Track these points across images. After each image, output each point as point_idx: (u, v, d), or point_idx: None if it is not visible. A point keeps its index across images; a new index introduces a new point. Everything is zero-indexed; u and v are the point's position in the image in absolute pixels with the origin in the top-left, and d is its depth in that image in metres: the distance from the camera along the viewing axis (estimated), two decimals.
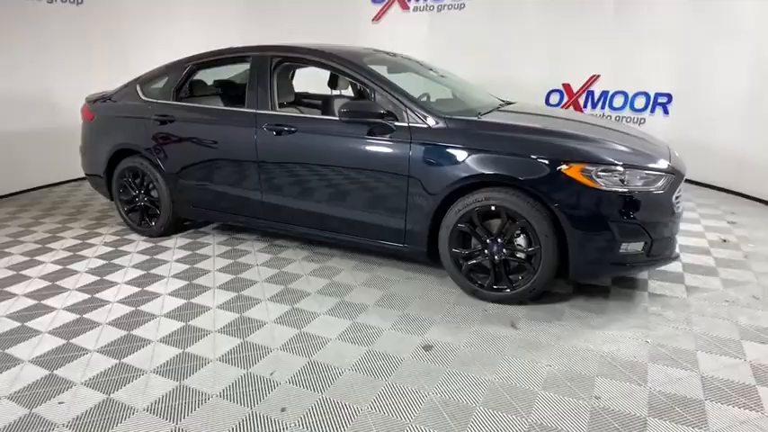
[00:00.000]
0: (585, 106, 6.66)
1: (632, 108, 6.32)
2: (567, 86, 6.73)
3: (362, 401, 2.35)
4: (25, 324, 3.11)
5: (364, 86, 3.66)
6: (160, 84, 4.44)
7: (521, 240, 3.13)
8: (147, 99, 4.41)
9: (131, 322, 3.12)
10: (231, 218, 4.25)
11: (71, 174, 6.61)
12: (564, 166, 2.92)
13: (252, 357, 2.72)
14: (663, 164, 3.09)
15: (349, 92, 5.01)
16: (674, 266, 3.68)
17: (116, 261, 4.05)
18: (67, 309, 3.30)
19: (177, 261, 4.02)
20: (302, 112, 4.43)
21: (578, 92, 6.66)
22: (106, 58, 6.72)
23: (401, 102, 3.37)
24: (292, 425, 2.22)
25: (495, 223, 3.16)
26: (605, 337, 2.86)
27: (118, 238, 4.59)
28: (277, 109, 3.85)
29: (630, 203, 2.92)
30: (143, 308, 3.29)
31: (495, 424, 2.20)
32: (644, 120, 6.26)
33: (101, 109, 4.69)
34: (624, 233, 2.94)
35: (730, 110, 5.49)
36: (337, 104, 3.86)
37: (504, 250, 3.15)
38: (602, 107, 6.54)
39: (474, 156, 3.12)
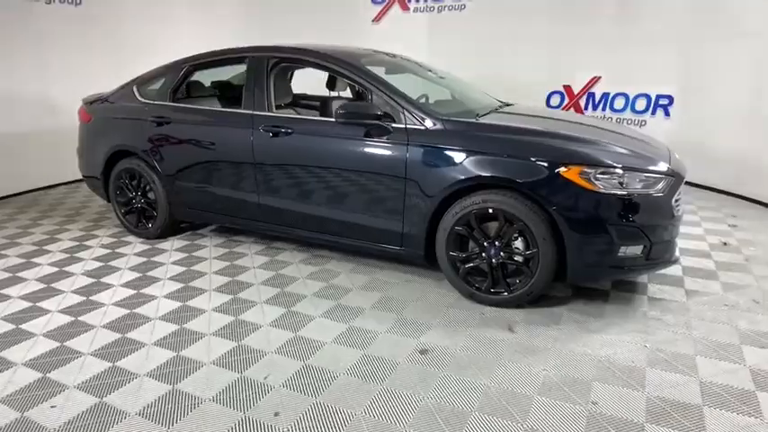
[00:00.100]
0: (586, 108, 6.63)
1: (633, 110, 6.29)
2: (567, 88, 6.71)
3: (356, 406, 2.32)
4: (19, 326, 3.09)
5: (361, 88, 3.63)
6: (157, 85, 4.42)
7: (518, 243, 3.10)
8: (143, 100, 4.40)
9: (126, 325, 3.09)
10: (228, 220, 4.24)
11: (69, 175, 6.59)
12: (562, 169, 2.90)
13: (246, 361, 2.69)
14: (662, 166, 3.06)
15: (348, 93, 4.98)
16: (673, 270, 3.65)
17: (112, 263, 4.03)
18: (62, 311, 3.28)
19: (174, 263, 4.00)
20: (300, 114, 4.41)
21: (579, 93, 6.63)
22: (105, 59, 6.71)
23: (398, 103, 3.35)
24: (285, 430, 2.19)
25: (493, 226, 3.13)
26: (603, 341, 2.83)
27: (115, 240, 4.57)
28: (274, 110, 3.83)
29: (629, 206, 2.89)
30: (138, 310, 3.27)
31: (490, 430, 2.17)
32: (645, 122, 6.23)
33: (98, 110, 4.68)
34: (623, 236, 2.91)
35: (732, 112, 5.46)
36: (335, 106, 3.84)
37: (501, 253, 3.12)
38: (603, 109, 6.51)
39: (471, 158, 3.10)
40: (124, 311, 3.26)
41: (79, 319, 3.18)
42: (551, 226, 2.95)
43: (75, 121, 4.91)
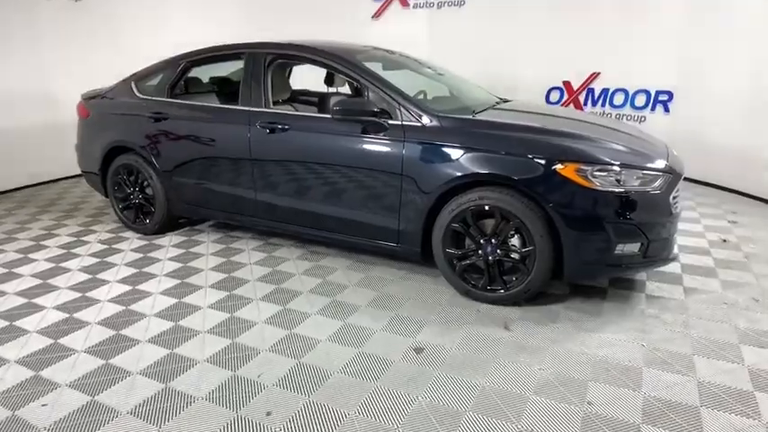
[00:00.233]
0: (586, 104, 6.58)
1: (633, 106, 6.24)
2: (567, 84, 6.66)
3: (350, 405, 2.31)
4: (13, 323, 3.08)
5: (358, 84, 3.61)
6: (155, 81, 4.40)
7: (515, 241, 3.07)
8: (141, 96, 4.37)
9: (121, 322, 3.08)
10: (225, 216, 4.22)
11: (69, 170, 6.58)
12: (559, 166, 2.87)
13: (240, 359, 2.68)
14: (660, 163, 3.03)
15: (346, 89, 4.96)
16: (672, 267, 3.62)
17: (109, 259, 4.02)
18: (57, 308, 3.27)
19: (170, 259, 3.98)
20: (298, 110, 4.39)
21: (579, 89, 6.58)
22: (104, 54, 6.68)
23: (394, 99, 3.32)
24: (278, 429, 2.18)
25: (490, 223, 3.11)
26: (600, 340, 2.81)
27: (113, 235, 4.56)
28: (271, 106, 3.81)
29: (626, 204, 2.86)
30: (133, 307, 3.26)
31: (484, 430, 2.15)
32: (644, 117, 6.18)
33: (96, 106, 4.66)
34: (620, 234, 2.88)
35: (732, 107, 5.41)
36: (332, 102, 3.81)
37: (498, 251, 3.10)
38: (603, 105, 6.46)
39: (468, 154, 3.07)
40: (119, 308, 3.25)
41: (74, 315, 3.16)
42: (548, 223, 2.92)
43: (74, 115, 4.89)
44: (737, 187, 5.52)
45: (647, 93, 6.15)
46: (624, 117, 6.32)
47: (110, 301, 3.35)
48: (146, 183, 4.39)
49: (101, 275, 3.73)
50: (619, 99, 6.35)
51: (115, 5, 6.93)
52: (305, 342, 2.82)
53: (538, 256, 2.97)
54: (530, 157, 2.94)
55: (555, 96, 6.79)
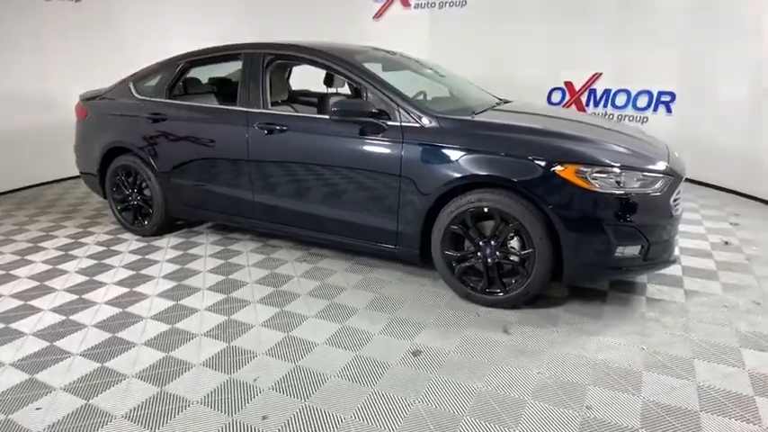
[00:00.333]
0: (588, 105, 6.56)
1: (635, 107, 6.21)
2: (569, 84, 6.64)
3: (346, 410, 2.29)
4: (9, 326, 3.06)
5: (356, 85, 3.59)
6: (153, 81, 4.39)
7: (514, 243, 3.05)
8: (139, 97, 4.36)
9: (117, 324, 3.06)
10: (223, 218, 4.20)
11: (68, 171, 6.56)
12: (558, 168, 2.84)
13: (236, 362, 2.66)
14: (661, 165, 3.00)
15: (346, 90, 4.94)
16: (673, 270, 3.59)
17: (107, 261, 4.00)
18: (54, 310, 3.25)
19: (168, 261, 3.96)
20: (297, 111, 4.37)
21: (580, 90, 6.56)
22: (104, 55, 6.67)
23: (393, 100, 3.30)
24: None
25: (489, 225, 3.08)
26: (599, 343, 2.78)
27: (111, 237, 4.54)
28: (269, 107, 3.78)
29: (627, 206, 2.84)
30: (130, 309, 3.24)
31: None
32: (647, 118, 6.15)
33: (94, 107, 4.65)
34: (620, 236, 2.85)
35: (735, 108, 5.37)
36: (331, 103, 3.80)
37: (497, 253, 3.07)
38: (605, 105, 6.44)
39: (467, 156, 3.04)
40: (116, 310, 3.23)
41: (70, 318, 3.15)
42: (547, 225, 2.89)
43: (74, 117, 4.88)
44: (740, 189, 5.49)
45: (650, 93, 6.12)
46: (626, 118, 6.29)
47: (106, 303, 3.33)
48: (144, 184, 4.38)
49: (98, 277, 3.71)
50: (621, 100, 6.33)
51: (115, 6, 6.92)
52: (302, 345, 2.80)
53: (537, 258, 2.94)
54: (529, 158, 2.92)
55: (557, 97, 6.77)
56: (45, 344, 2.87)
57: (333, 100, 3.78)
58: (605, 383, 2.44)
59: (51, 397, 2.42)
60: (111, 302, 3.33)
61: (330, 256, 3.98)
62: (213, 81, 4.80)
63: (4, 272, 3.83)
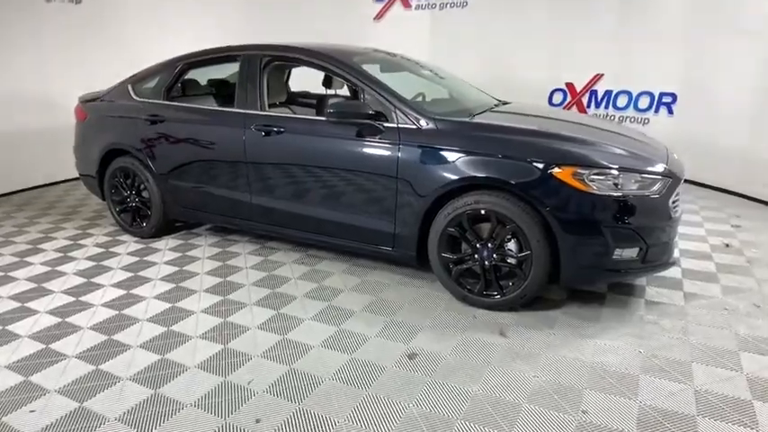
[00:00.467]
0: (589, 106, 6.53)
1: (636, 108, 6.19)
2: (570, 86, 6.61)
3: (340, 413, 2.27)
4: (6, 328, 3.06)
5: (353, 86, 3.58)
6: (151, 83, 4.39)
7: (511, 245, 3.03)
8: (138, 99, 4.36)
9: (113, 327, 3.06)
10: (221, 220, 4.19)
11: (68, 173, 6.57)
12: (556, 169, 2.83)
13: (231, 365, 2.65)
14: (659, 167, 2.98)
15: (345, 91, 4.92)
16: (672, 272, 3.56)
17: (105, 263, 4.00)
18: (50, 312, 3.25)
19: (166, 263, 3.96)
20: (295, 112, 4.37)
21: (582, 91, 6.53)
22: (105, 57, 6.67)
23: (390, 102, 3.28)
24: None
25: (486, 227, 3.07)
26: (597, 346, 2.76)
27: (110, 239, 4.54)
28: (267, 109, 3.78)
29: (624, 208, 2.82)
30: (126, 311, 3.24)
31: None
32: (648, 120, 6.13)
33: (93, 109, 4.65)
34: (618, 239, 2.83)
35: (736, 110, 5.34)
36: (327, 104, 3.79)
37: (494, 255, 3.05)
38: (606, 107, 6.41)
39: (464, 158, 3.03)
40: (113, 312, 3.23)
41: (66, 320, 3.14)
42: (545, 228, 2.88)
43: (74, 119, 4.88)
44: (742, 191, 5.45)
45: (651, 95, 6.10)
46: (627, 119, 6.27)
47: (103, 305, 3.32)
48: (142, 186, 4.38)
49: (96, 279, 3.71)
50: (622, 101, 6.30)
51: (116, 7, 6.93)
52: (297, 348, 2.79)
53: (534, 260, 2.92)
54: (526, 160, 2.90)
55: (558, 98, 6.75)
56: (41, 346, 2.87)
57: (330, 101, 3.77)
58: (602, 387, 2.42)
59: (45, 399, 2.41)
60: (108, 305, 3.33)
61: (328, 258, 3.97)
62: (212, 83, 4.80)
63: (3, 273, 3.83)
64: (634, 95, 6.20)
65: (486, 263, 3.07)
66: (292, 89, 5.23)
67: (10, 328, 3.06)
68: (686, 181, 5.69)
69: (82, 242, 4.47)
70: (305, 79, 5.00)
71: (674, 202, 2.99)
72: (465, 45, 7.10)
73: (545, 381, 2.48)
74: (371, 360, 2.66)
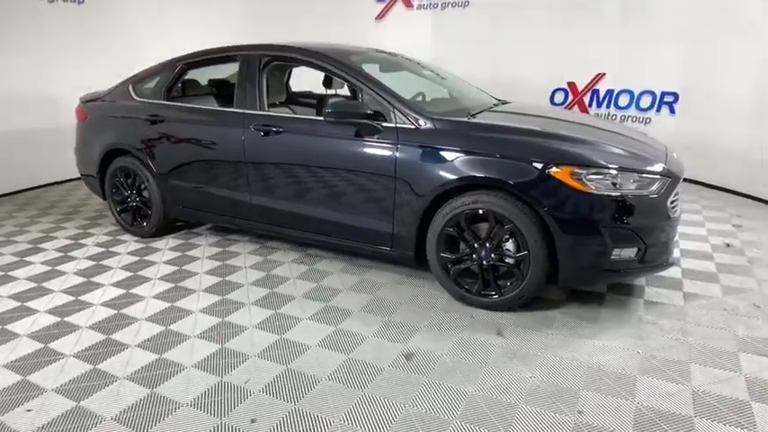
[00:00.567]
0: (591, 105, 6.51)
1: (638, 107, 6.16)
2: (571, 85, 6.59)
3: (335, 413, 2.27)
4: (5, 327, 3.07)
5: (352, 86, 3.58)
6: (151, 84, 4.39)
7: (509, 245, 3.03)
8: (138, 99, 4.37)
9: (112, 326, 3.07)
10: (221, 219, 4.20)
11: (70, 173, 6.58)
12: (553, 169, 2.82)
13: (228, 364, 2.65)
14: (657, 167, 2.96)
15: (346, 91, 4.92)
16: (672, 272, 3.54)
17: (105, 262, 4.01)
18: (50, 311, 3.26)
19: (166, 263, 3.97)
20: (295, 112, 4.37)
21: (583, 90, 6.51)
22: (107, 57, 6.69)
23: (388, 102, 3.28)
24: None
25: (484, 227, 3.06)
26: (595, 347, 2.75)
27: (110, 238, 4.55)
28: (266, 109, 3.78)
29: (622, 208, 2.80)
30: (125, 311, 3.24)
31: None
32: (650, 119, 6.10)
33: (94, 109, 4.66)
34: (616, 239, 2.82)
35: (739, 109, 5.32)
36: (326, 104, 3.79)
37: (492, 255, 3.05)
38: (608, 106, 6.39)
39: (462, 158, 3.02)
40: (111, 312, 3.24)
41: (65, 319, 3.15)
42: (543, 227, 2.87)
43: (75, 119, 4.89)
44: (744, 190, 5.42)
45: (653, 94, 6.07)
46: (629, 119, 6.24)
47: (102, 305, 3.33)
48: (143, 186, 4.39)
49: (95, 279, 3.72)
50: (624, 100, 6.28)
51: (118, 8, 6.95)
52: (294, 347, 2.79)
53: (532, 260, 2.92)
54: (524, 160, 2.89)
55: (559, 98, 6.73)
56: (39, 345, 2.87)
57: (329, 101, 3.77)
58: (598, 388, 2.41)
59: (42, 398, 2.42)
60: (107, 304, 3.34)
61: (328, 258, 3.97)
62: (212, 83, 4.81)
63: (3, 273, 3.85)
64: (636, 95, 6.17)
65: (484, 263, 3.07)
66: (297, 89, 5.23)
67: (9, 327, 3.07)
68: (689, 180, 5.72)
69: (82, 241, 4.48)
70: (311, 79, 5.01)
71: (672, 202, 2.98)
72: (466, 45, 7.09)
73: (542, 381, 2.47)
74: (368, 360, 2.66)
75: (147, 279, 3.69)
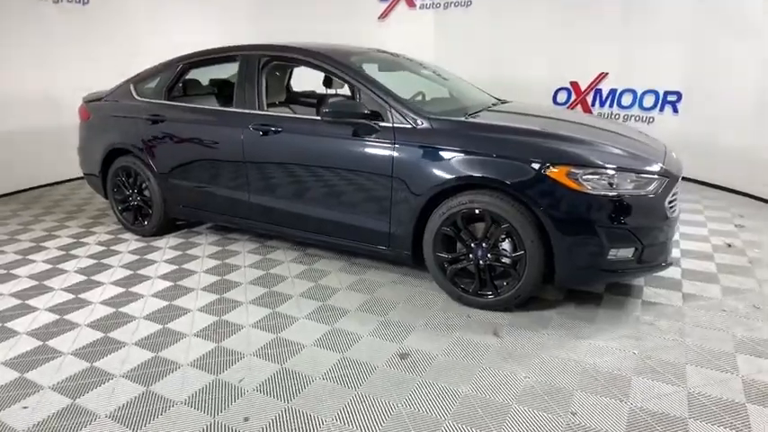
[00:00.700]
0: (593, 105, 6.48)
1: (641, 107, 6.13)
2: (574, 84, 6.57)
3: (328, 412, 2.27)
4: (5, 325, 3.10)
5: (350, 85, 3.58)
6: (153, 83, 4.42)
7: (506, 245, 3.02)
8: (139, 99, 4.39)
9: (110, 324, 3.08)
10: (221, 219, 4.22)
11: (74, 172, 6.62)
12: (550, 169, 2.81)
13: (223, 363, 2.66)
14: (655, 166, 2.95)
15: (346, 91, 4.92)
16: (671, 272, 3.52)
17: (106, 261, 4.04)
18: (49, 309, 3.28)
19: (166, 261, 3.99)
20: (295, 112, 4.38)
21: (586, 90, 6.49)
22: (111, 57, 6.72)
23: (385, 101, 3.28)
24: None
25: (481, 227, 3.05)
26: (591, 347, 2.74)
27: (112, 237, 4.58)
28: (265, 109, 3.79)
29: (619, 208, 2.79)
30: (124, 309, 3.26)
31: None
32: (653, 118, 6.07)
33: (96, 109, 4.69)
34: (613, 239, 2.81)
35: (742, 108, 5.28)
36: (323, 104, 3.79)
37: (488, 255, 3.04)
38: (611, 106, 6.36)
39: (459, 157, 3.02)
40: (110, 310, 3.26)
41: (65, 317, 3.18)
42: (539, 227, 2.86)
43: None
44: (747, 190, 5.38)
45: (656, 93, 6.04)
46: (632, 118, 6.21)
47: (101, 303, 3.35)
48: (144, 185, 4.41)
49: (96, 277, 3.74)
50: (627, 100, 6.25)
51: (123, 8, 6.98)
52: (290, 347, 2.80)
53: (528, 261, 2.91)
54: (521, 159, 2.88)
55: (562, 97, 6.71)
56: (38, 343, 2.90)
57: (327, 101, 3.78)
58: (593, 389, 2.40)
59: (39, 396, 2.44)
60: (106, 302, 3.36)
61: (326, 257, 3.98)
62: (213, 82, 4.82)
63: (5, 271, 3.88)
64: (639, 94, 6.14)
65: (481, 262, 3.06)
66: (299, 89, 5.24)
67: (9, 324, 3.10)
68: (692, 180, 5.69)
69: (84, 240, 4.51)
70: (314, 80, 5.01)
71: (670, 202, 2.96)
72: (469, 44, 7.08)
73: (536, 382, 2.46)
74: (363, 359, 2.66)
75: (146, 277, 3.71)
